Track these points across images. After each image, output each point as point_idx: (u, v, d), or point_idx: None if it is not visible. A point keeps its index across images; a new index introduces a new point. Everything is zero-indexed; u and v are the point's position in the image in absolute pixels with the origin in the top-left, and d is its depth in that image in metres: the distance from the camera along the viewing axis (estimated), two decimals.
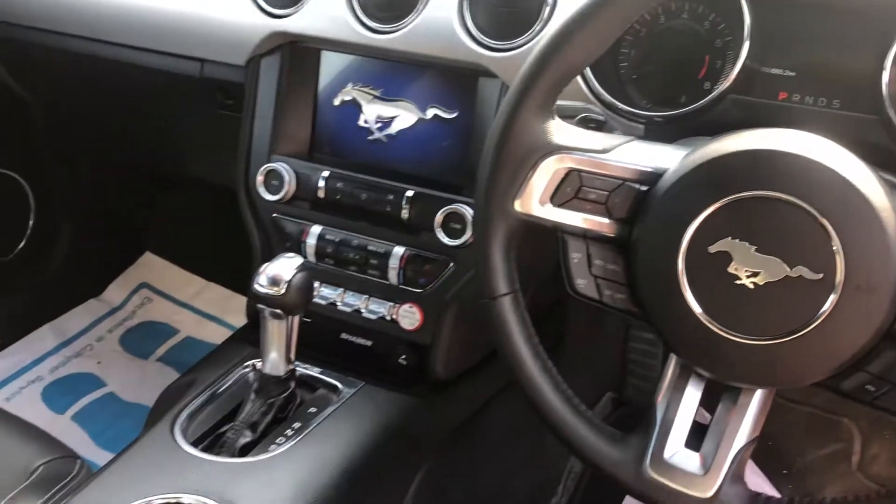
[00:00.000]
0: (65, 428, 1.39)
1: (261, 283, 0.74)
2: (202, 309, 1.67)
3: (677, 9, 0.76)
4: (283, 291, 0.74)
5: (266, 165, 0.92)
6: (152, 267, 1.75)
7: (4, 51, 1.22)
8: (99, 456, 1.30)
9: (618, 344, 1.23)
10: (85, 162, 1.58)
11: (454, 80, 0.86)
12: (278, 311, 0.75)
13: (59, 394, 1.47)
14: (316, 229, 0.91)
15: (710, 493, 0.56)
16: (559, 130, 0.58)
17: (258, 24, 0.92)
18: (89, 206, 1.63)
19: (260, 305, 0.75)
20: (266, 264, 0.75)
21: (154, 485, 0.66)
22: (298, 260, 0.76)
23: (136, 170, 1.61)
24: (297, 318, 0.77)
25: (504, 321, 0.60)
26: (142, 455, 0.74)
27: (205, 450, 0.74)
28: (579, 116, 0.72)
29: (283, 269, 0.75)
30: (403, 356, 0.89)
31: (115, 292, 1.71)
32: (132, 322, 1.66)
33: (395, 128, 0.90)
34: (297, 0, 0.89)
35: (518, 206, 0.59)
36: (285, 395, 0.80)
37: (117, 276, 1.72)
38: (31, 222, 1.54)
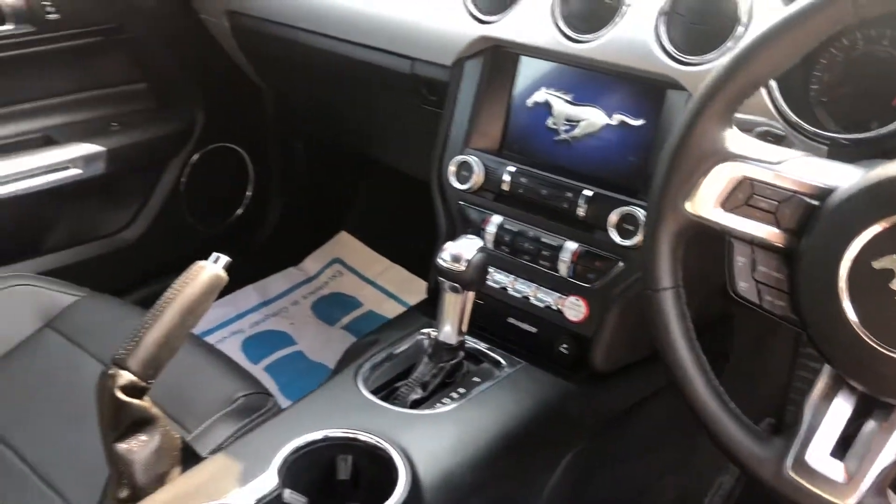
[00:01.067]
0: (258, 376, 1.57)
1: (444, 259, 0.82)
2: (385, 287, 1.81)
3: (878, 35, 0.76)
4: (462, 268, 0.82)
5: (459, 157, 1.01)
6: (346, 244, 1.93)
7: (246, 41, 1.41)
8: (285, 404, 1.46)
9: (783, 369, 1.21)
10: (301, 144, 1.77)
11: (643, 89, 0.90)
12: (457, 285, 0.83)
13: (255, 346, 1.66)
14: (497, 219, 0.98)
15: (849, 502, 0.57)
16: (736, 139, 0.62)
17: (467, 29, 1.01)
18: (298, 183, 1.82)
19: (441, 278, 0.83)
20: (450, 242, 0.83)
21: (335, 421, 0.76)
22: (479, 242, 0.84)
23: (342, 155, 1.78)
24: (471, 294, 0.85)
25: (664, 312, 0.64)
26: (327, 396, 0.85)
27: (381, 399, 0.84)
28: (759, 129, 0.75)
29: (465, 248, 0.83)
30: (565, 345, 0.94)
31: (311, 264, 1.90)
32: (324, 291, 1.84)
33: (580, 131, 0.95)
34: (503, 8, 0.98)
35: (689, 206, 0.63)
36: (454, 362, 0.88)
37: (315, 250, 1.91)
38: (249, 193, 1.74)
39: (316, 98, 1.50)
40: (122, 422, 0.67)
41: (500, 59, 1.00)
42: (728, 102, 0.61)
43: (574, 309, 0.93)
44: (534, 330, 0.97)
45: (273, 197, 1.79)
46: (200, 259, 1.70)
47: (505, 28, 0.97)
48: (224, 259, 0.74)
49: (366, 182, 1.88)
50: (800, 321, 0.60)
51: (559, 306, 0.94)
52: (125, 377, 0.66)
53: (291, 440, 0.73)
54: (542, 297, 0.96)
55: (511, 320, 0.99)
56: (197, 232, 1.66)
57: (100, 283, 1.24)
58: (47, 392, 1.03)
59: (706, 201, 0.62)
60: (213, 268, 0.73)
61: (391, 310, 1.72)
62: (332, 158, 1.82)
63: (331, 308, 1.79)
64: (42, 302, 1.15)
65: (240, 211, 1.74)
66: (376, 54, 1.15)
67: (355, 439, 0.75)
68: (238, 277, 1.78)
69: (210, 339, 1.65)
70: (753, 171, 0.61)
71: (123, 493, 0.68)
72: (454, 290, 0.84)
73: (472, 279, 0.83)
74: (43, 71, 1.35)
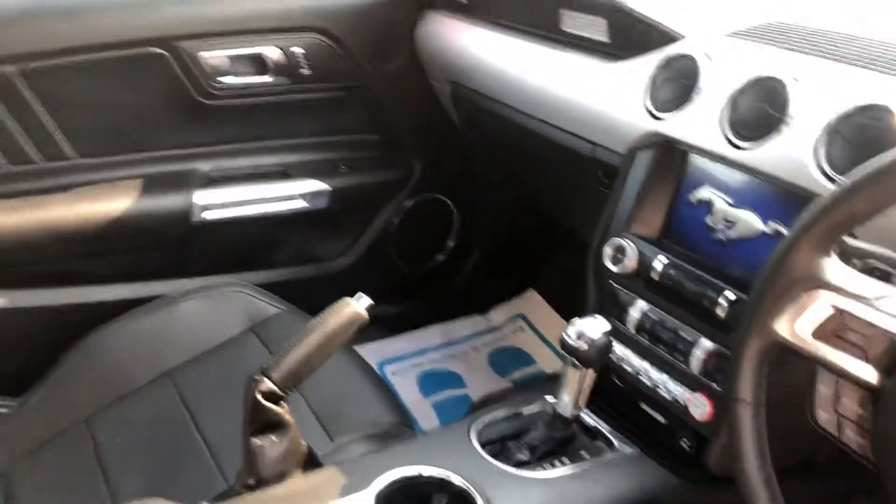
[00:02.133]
0: (424, 410, 1.70)
1: (569, 335, 0.88)
2: (560, 350, 1.86)
3: None
4: (584, 346, 0.87)
5: (617, 240, 1.05)
6: (532, 302, 2.01)
7: (462, 107, 1.56)
8: None
9: None
10: (503, 202, 1.90)
11: (800, 203, 0.89)
12: (576, 361, 0.88)
13: (429, 382, 1.79)
14: (642, 305, 1.01)
15: None
16: (834, 269, 0.62)
17: (642, 122, 1.06)
18: (497, 239, 1.94)
19: (563, 352, 0.89)
20: (578, 319, 0.89)
21: (438, 459, 0.84)
22: (606, 325, 0.88)
23: (539, 217, 1.87)
24: (591, 372, 0.90)
25: (739, 423, 0.65)
26: (441, 438, 0.94)
27: (489, 452, 0.91)
28: (866, 260, 0.72)
29: (590, 327, 0.88)
30: (686, 440, 0.94)
31: (497, 315, 2.00)
32: (503, 343, 1.93)
33: (736, 233, 0.96)
34: (677, 107, 1.02)
35: (777, 326, 0.64)
36: (567, 433, 0.93)
37: (503, 303, 2.02)
38: (451, 243, 1.89)
39: (515, 162, 1.62)
40: (258, 421, 0.80)
41: (669, 153, 1.04)
42: (827, 232, 0.61)
43: (700, 407, 0.93)
44: (658, 417, 0.98)
45: (472, 249, 1.93)
46: (400, 293, 1.87)
47: (676, 126, 1.01)
48: (367, 301, 0.85)
49: (557, 245, 1.95)
50: (878, 465, 0.59)
51: (686, 401, 0.95)
52: (267, 384, 0.80)
53: (395, 469, 0.83)
54: (672, 388, 0.97)
55: (643, 406, 1.01)
56: (399, 269, 1.84)
57: (306, 301, 1.43)
58: (236, 384, 1.22)
59: (794, 325, 0.63)
60: (356, 306, 0.84)
61: None
62: (530, 219, 1.92)
63: (506, 360, 1.87)
64: (252, 309, 1.36)
65: (440, 257, 1.90)
66: (564, 135, 1.24)
67: (448, 481, 0.82)
68: (427, 316, 1.94)
69: (391, 368, 1.81)
70: (847, 303, 0.60)
71: (250, 481, 0.81)
72: (574, 365, 0.89)
73: (593, 358, 0.88)
74: (290, 115, 1.59)
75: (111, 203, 1.45)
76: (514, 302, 2.02)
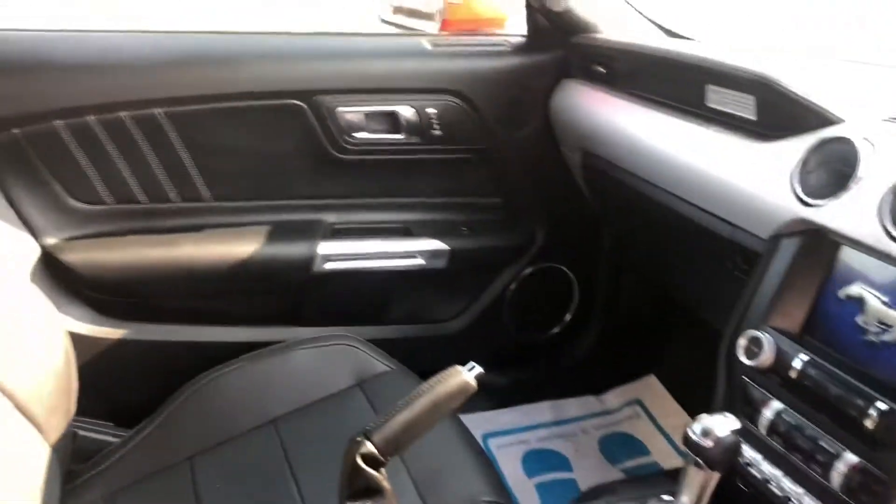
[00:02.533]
0: (526, 491, 1.62)
1: (693, 431, 0.80)
2: (677, 443, 1.74)
3: None
4: (710, 444, 0.79)
5: (754, 332, 0.97)
6: (651, 389, 1.90)
7: (592, 177, 1.52)
8: None
9: None
10: (628, 279, 1.82)
11: None
12: (700, 460, 0.80)
13: (534, 461, 1.71)
14: (776, 405, 0.92)
15: None
16: None
17: (789, 207, 0.98)
18: (618, 317, 1.86)
19: (684, 448, 0.81)
20: (705, 415, 0.81)
21: None
22: (735, 423, 0.80)
23: (666, 298, 1.79)
24: (715, 474, 0.81)
25: None
26: None
27: None
28: None
29: (718, 425, 0.80)
30: None
31: (612, 398, 1.90)
32: (616, 429, 1.83)
33: (892, 337, 0.87)
34: (831, 194, 0.94)
35: None
36: None
37: (619, 385, 1.92)
38: (568, 316, 1.83)
39: (645, 238, 1.55)
40: (355, 485, 0.77)
41: (818, 243, 0.95)
42: None
43: None
44: None
45: (591, 324, 1.86)
46: (510, 362, 1.82)
47: (828, 215, 0.93)
48: (478, 370, 0.81)
49: (683, 332, 1.85)
50: None
51: None
52: (368, 448, 0.76)
53: None
54: (808, 503, 0.87)
55: None
56: (512, 338, 1.79)
57: (415, 360, 1.40)
58: (336, 440, 1.20)
59: None
60: (466, 375, 0.80)
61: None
62: (656, 300, 1.83)
63: (617, 447, 1.77)
64: (361, 364, 1.35)
65: (556, 329, 1.84)
66: (705, 216, 1.17)
67: None
68: (537, 391, 1.87)
69: (496, 441, 1.75)
70: None
71: None
72: (697, 464, 0.81)
73: (718, 459, 0.80)
74: (417, 174, 1.60)
75: (239, 246, 1.49)
76: (632, 386, 1.92)
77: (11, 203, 1.42)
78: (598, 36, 1.48)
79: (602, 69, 1.44)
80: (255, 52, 1.47)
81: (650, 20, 1.51)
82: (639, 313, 1.87)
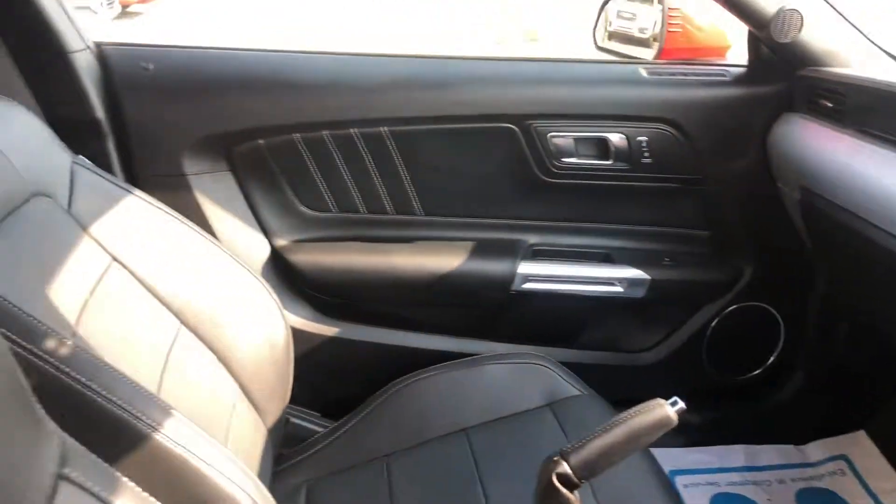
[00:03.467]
0: None
1: None
2: None
3: None
4: None
5: None
6: (861, 446, 1.75)
7: (811, 217, 1.44)
8: None
9: None
10: (846, 325, 1.70)
11: None
12: None
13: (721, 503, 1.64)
14: None
15: None
16: None
17: None
18: (830, 365, 1.74)
19: None
20: None
21: None
22: None
23: (882, 348, 1.65)
24: None
25: None
26: None
27: None
28: None
29: None
30: None
31: (814, 450, 1.78)
32: (816, 484, 1.71)
33: None
34: None
35: None
36: None
37: (824, 437, 1.79)
38: (772, 359, 1.74)
39: (870, 286, 1.44)
40: (548, 503, 0.79)
41: None
42: None
43: None
44: None
45: (796, 370, 1.75)
46: (705, 401, 1.77)
47: None
48: (680, 405, 0.80)
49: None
50: None
51: None
52: (565, 468, 0.78)
53: None
54: None
55: None
56: (709, 376, 1.73)
57: (606, 387, 1.40)
58: (526, 456, 1.22)
59: None
60: (668, 409, 0.80)
61: None
62: (874, 351, 1.70)
63: (817, 503, 1.66)
64: (552, 385, 1.37)
65: (757, 371, 1.75)
66: None
67: None
68: (731, 433, 1.79)
69: (684, 479, 1.69)
70: None
71: None
72: None
73: None
74: (622, 201, 1.60)
75: (444, 260, 1.56)
76: (838, 440, 1.78)
77: (251, 205, 1.59)
78: (827, 69, 1.41)
79: (830, 104, 1.37)
80: (473, 77, 1.54)
81: (888, 53, 1.42)
82: (852, 363, 1.74)
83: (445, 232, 1.63)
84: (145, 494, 0.56)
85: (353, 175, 1.57)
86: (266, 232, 1.61)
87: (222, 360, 1.09)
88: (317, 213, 1.62)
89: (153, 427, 0.75)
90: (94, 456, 0.54)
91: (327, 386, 1.64)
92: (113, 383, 0.76)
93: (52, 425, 0.50)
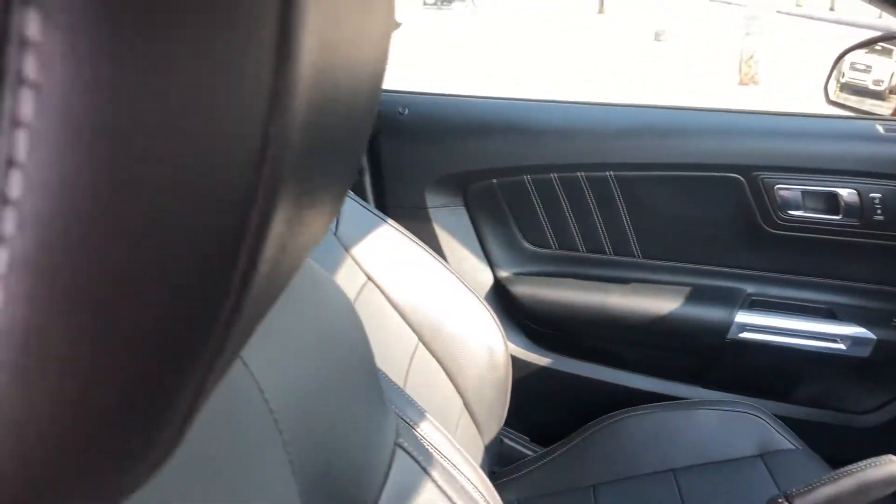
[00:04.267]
0: None
1: None
2: None
3: None
4: None
5: None
6: None
7: None
8: None
9: None
10: None
11: None
12: None
13: None
14: None
15: None
16: None
17: None
18: None
19: None
20: None
21: None
22: None
23: None
24: None
25: None
26: None
27: None
28: None
29: None
30: None
31: None
32: None
33: None
34: None
35: None
36: None
37: None
38: None
39: None
40: None
41: None
42: None
43: None
44: None
45: None
46: None
47: None
48: None
49: None
50: None
51: None
52: None
53: None
54: None
55: None
56: None
57: (820, 446, 1.38)
58: (736, 502, 1.24)
59: None
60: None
61: None
62: None
63: None
64: (765, 437, 1.37)
65: None
66: None
67: None
68: None
69: None
70: None
71: None
72: None
73: None
74: (850, 257, 1.57)
75: (660, 303, 1.61)
76: None
77: (479, 238, 1.73)
78: None
79: None
80: (700, 127, 1.59)
81: None
82: None
83: (663, 275, 1.67)
84: (456, 469, 0.68)
85: (576, 215, 1.67)
86: (491, 263, 1.74)
87: (450, 375, 1.22)
88: (538, 249, 1.73)
89: (410, 425, 0.88)
90: (414, 430, 0.66)
91: (538, 413, 1.73)
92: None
93: (389, 402, 0.64)
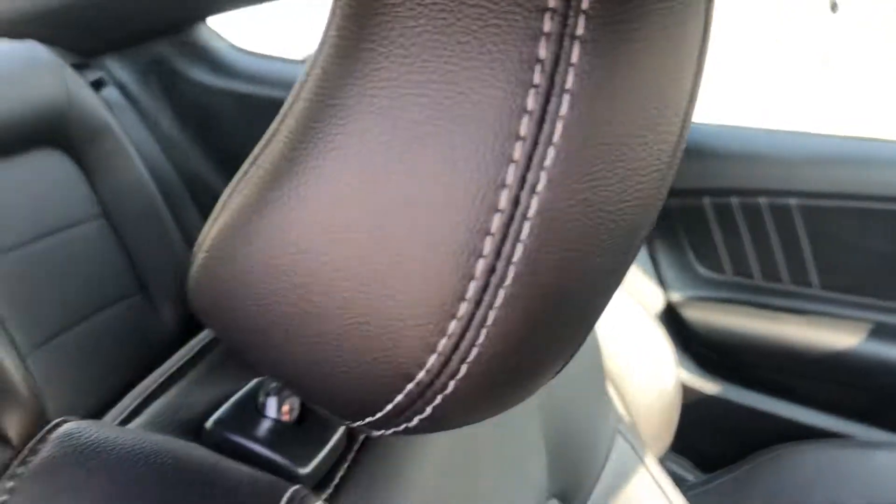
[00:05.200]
0: None
1: None
2: None
3: None
4: None
5: None
6: None
7: None
8: None
9: None
10: None
11: None
12: None
13: None
14: None
15: None
16: None
17: None
18: None
19: None
20: None
21: None
22: None
23: None
24: None
25: None
26: None
27: None
28: None
29: None
30: None
31: None
32: None
33: None
34: None
35: None
36: None
37: None
38: None
39: None
40: None
41: None
42: None
43: None
44: None
45: None
46: None
47: None
48: None
49: None
50: None
51: None
52: None
53: None
54: None
55: None
56: None
57: None
58: None
59: None
60: None
61: None
62: None
63: None
64: None
65: None
66: None
67: None
68: None
69: None
70: None
71: None
72: None
73: None
74: None
75: (839, 336, 1.57)
76: None
77: (653, 259, 1.75)
78: None
79: None
80: (889, 158, 1.53)
81: None
82: None
83: (841, 309, 1.62)
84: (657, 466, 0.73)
85: (754, 242, 1.65)
86: (662, 285, 1.75)
87: (618, 393, 1.26)
88: (711, 274, 1.73)
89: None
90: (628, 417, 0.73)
91: (703, 439, 1.73)
92: None
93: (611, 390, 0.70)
